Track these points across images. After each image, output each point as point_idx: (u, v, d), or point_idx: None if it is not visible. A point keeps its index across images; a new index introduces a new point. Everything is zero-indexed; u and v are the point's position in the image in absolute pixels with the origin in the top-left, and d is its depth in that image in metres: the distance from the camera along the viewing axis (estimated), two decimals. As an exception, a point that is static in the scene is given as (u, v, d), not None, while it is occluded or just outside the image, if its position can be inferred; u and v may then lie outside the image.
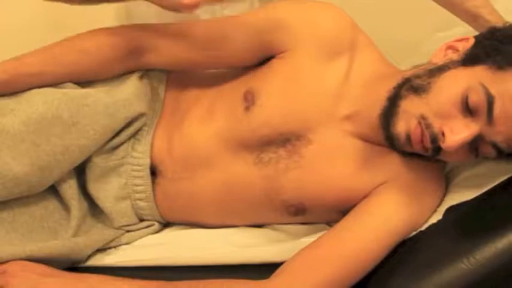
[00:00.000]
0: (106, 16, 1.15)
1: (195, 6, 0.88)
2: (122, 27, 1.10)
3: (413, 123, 0.88)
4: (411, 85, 0.91)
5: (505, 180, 0.94)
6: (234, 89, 1.03)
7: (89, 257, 1.01)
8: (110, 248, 1.03)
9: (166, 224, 1.10)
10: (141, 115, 1.04)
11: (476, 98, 0.85)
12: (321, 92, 0.98)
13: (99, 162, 1.02)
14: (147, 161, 1.04)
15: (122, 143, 1.04)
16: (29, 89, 0.98)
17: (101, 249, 1.02)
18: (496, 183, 0.94)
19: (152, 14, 1.07)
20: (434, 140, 0.87)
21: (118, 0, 1.06)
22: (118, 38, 0.99)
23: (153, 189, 1.05)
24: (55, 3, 0.95)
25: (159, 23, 1.05)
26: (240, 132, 0.99)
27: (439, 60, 0.92)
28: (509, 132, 0.85)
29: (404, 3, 1.33)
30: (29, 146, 0.94)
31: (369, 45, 1.01)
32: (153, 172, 1.05)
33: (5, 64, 0.98)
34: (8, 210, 0.96)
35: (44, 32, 0.95)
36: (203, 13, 1.10)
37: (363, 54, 0.99)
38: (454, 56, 0.91)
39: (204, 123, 1.03)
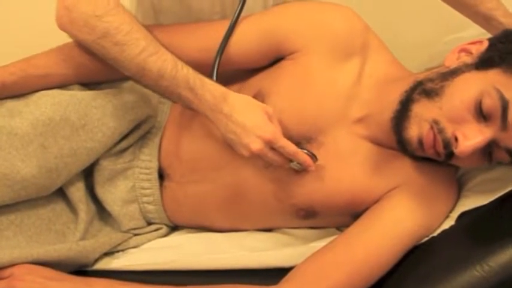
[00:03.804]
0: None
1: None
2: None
3: (426, 128, 0.87)
4: (423, 89, 0.90)
5: (519, 185, 0.92)
6: (244, 91, 1.02)
7: (97, 260, 1.00)
8: (117, 251, 1.02)
9: (174, 228, 1.09)
10: (149, 117, 1.03)
11: (490, 103, 0.84)
12: (332, 94, 0.97)
13: (106, 165, 1.01)
14: (155, 164, 1.03)
15: (130, 146, 1.03)
16: (38, 90, 0.98)
17: (109, 253, 1.01)
18: (510, 188, 0.92)
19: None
20: (447, 145, 0.86)
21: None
22: None
23: (161, 193, 1.04)
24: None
25: (169, 24, 1.04)
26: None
27: (452, 64, 0.91)
28: (524, 138, 0.84)
29: (415, 4, 1.32)
30: (36, 148, 0.94)
31: (381, 47, 1.00)
32: (161, 175, 1.05)
33: (13, 66, 0.97)
34: (16, 212, 0.96)
35: (53, 33, 0.94)
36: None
37: (374, 57, 0.98)
38: (468, 59, 0.90)
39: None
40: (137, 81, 0.94)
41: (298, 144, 0.95)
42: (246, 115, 0.90)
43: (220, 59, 0.96)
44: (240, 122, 0.89)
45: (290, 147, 0.91)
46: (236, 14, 0.97)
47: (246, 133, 0.89)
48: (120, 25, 0.89)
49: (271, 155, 0.91)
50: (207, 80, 0.92)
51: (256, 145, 0.89)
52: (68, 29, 0.93)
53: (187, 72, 0.91)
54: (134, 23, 0.91)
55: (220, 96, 0.90)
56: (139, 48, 0.89)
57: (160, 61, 0.90)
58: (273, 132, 0.90)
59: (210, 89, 0.91)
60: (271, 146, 0.90)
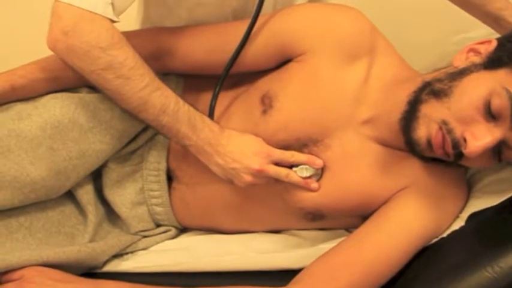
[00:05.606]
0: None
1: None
2: (141, 30, 1.10)
3: (434, 128, 0.86)
4: (432, 89, 0.89)
5: (530, 185, 0.92)
6: (251, 93, 1.02)
7: (106, 262, 1.00)
8: (126, 253, 1.02)
9: (183, 230, 1.09)
10: (158, 119, 1.03)
11: (499, 102, 0.83)
12: (340, 96, 0.96)
13: (115, 167, 1.01)
14: (164, 166, 1.03)
15: (138, 148, 1.04)
16: (46, 93, 0.98)
17: (118, 255, 1.02)
18: (520, 188, 0.92)
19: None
20: (456, 145, 0.85)
21: None
22: (137, 40, 0.98)
23: (170, 194, 1.05)
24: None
25: (178, 26, 1.04)
26: (257, 136, 0.98)
27: (461, 64, 0.91)
28: (533, 138, 0.84)
29: (423, 5, 1.31)
30: (45, 151, 0.94)
31: (388, 48, 0.99)
32: (170, 177, 1.05)
33: (22, 69, 0.97)
34: (25, 215, 0.97)
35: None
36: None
37: (382, 58, 0.98)
38: (476, 59, 0.89)
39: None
40: (133, 114, 0.93)
41: (304, 146, 0.95)
42: (242, 142, 0.95)
43: (216, 101, 0.99)
44: (238, 148, 0.94)
45: (287, 152, 0.95)
46: (245, 37, 0.97)
47: (246, 156, 0.94)
48: (124, 60, 0.88)
49: (273, 168, 0.94)
50: (205, 117, 0.96)
51: (256, 163, 0.93)
52: (63, 54, 0.88)
53: (188, 109, 0.94)
54: (138, 58, 0.90)
55: (217, 131, 0.95)
56: (144, 83, 0.89)
57: (163, 97, 0.91)
58: (268, 148, 0.95)
59: (208, 125, 0.95)
60: (270, 160, 0.94)
